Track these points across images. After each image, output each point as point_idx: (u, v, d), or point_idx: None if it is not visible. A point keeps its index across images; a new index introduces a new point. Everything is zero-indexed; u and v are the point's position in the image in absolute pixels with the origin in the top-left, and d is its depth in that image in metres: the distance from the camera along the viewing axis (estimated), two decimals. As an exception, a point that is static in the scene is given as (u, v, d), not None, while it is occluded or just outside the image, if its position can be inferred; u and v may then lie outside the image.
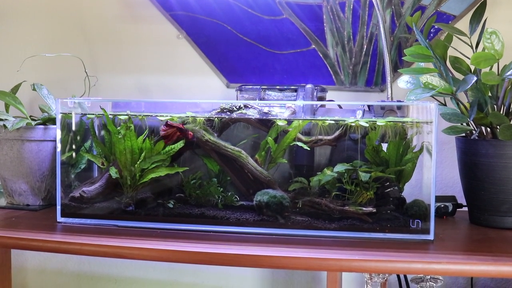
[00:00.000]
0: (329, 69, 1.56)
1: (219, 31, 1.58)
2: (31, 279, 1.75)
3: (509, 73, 1.13)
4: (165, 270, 1.68)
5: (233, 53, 1.59)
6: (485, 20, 1.28)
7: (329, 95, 1.46)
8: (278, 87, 1.35)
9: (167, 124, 1.18)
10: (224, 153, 1.18)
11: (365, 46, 1.53)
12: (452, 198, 1.33)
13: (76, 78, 1.52)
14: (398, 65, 1.51)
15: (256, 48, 1.57)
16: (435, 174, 1.09)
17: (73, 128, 1.24)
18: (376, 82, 1.54)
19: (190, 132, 1.16)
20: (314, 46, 1.55)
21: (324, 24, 1.54)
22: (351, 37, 1.53)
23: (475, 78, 1.13)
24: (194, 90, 1.62)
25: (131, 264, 1.69)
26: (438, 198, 1.31)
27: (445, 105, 1.29)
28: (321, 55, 1.55)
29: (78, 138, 1.26)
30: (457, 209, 1.32)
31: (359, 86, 1.55)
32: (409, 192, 1.17)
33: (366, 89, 1.55)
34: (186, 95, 1.61)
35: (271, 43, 1.57)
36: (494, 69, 1.20)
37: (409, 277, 1.40)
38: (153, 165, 1.18)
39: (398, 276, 1.42)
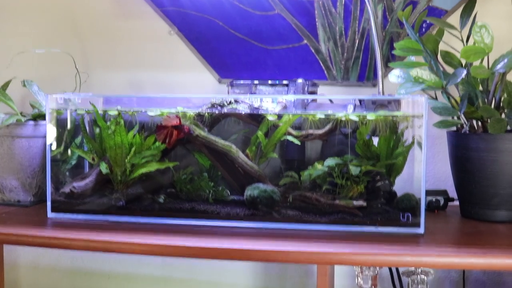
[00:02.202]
0: (321, 64, 1.55)
1: (210, 27, 1.58)
2: (24, 276, 1.74)
3: (499, 66, 1.13)
4: (158, 266, 1.68)
5: (225, 49, 1.59)
6: (476, 14, 1.28)
7: (322, 90, 1.46)
8: (269, 82, 1.35)
9: (159, 127, 1.16)
10: (214, 148, 1.18)
11: (357, 41, 1.53)
12: (444, 192, 1.33)
13: (67, 75, 1.52)
14: (390, 59, 1.50)
15: (248, 43, 1.57)
16: (425, 168, 1.09)
17: (64, 124, 1.24)
18: (368, 77, 1.54)
19: (186, 127, 1.15)
20: (306, 42, 1.55)
21: (316, 19, 1.54)
22: (343, 32, 1.53)
23: (465, 72, 1.13)
24: (186, 86, 1.61)
25: (124, 260, 1.69)
26: (430, 192, 1.31)
27: (436, 99, 1.29)
28: (313, 51, 1.55)
29: (69, 134, 1.26)
30: (449, 203, 1.32)
31: (351, 81, 1.55)
32: (401, 186, 1.17)
33: (358, 84, 1.55)
34: (178, 90, 1.61)
35: (262, 39, 1.57)
36: (485, 63, 1.20)
37: (400, 270, 1.40)
38: (144, 160, 1.18)
39: (390, 270, 1.42)
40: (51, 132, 1.21)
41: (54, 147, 1.22)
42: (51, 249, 1.66)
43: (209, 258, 1.02)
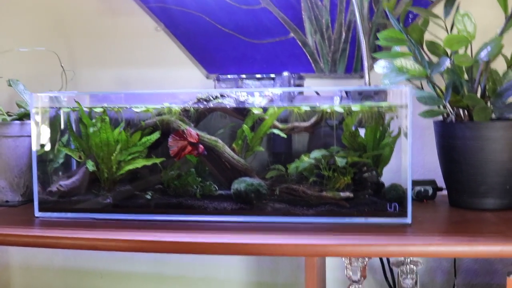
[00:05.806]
0: (309, 57, 1.55)
1: (197, 22, 1.58)
2: (15, 277, 1.74)
3: (482, 55, 1.13)
4: (151, 264, 1.68)
5: (212, 44, 1.58)
6: (459, 3, 1.28)
7: (309, 83, 1.46)
8: (256, 76, 1.35)
9: (177, 135, 1.15)
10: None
11: (344, 33, 1.53)
12: (432, 182, 1.33)
13: (53, 73, 1.52)
14: (377, 51, 1.50)
15: (235, 38, 1.57)
16: (411, 157, 1.09)
17: (50, 122, 1.24)
18: (356, 69, 1.54)
19: (201, 146, 1.15)
20: (293, 35, 1.55)
21: (302, 12, 1.53)
22: (330, 24, 1.53)
23: (448, 60, 1.13)
24: (174, 82, 1.61)
25: (117, 259, 1.69)
26: (418, 182, 1.31)
27: (422, 89, 1.29)
28: (300, 44, 1.55)
29: (55, 132, 1.25)
30: (438, 193, 1.32)
31: (339, 73, 1.55)
32: (390, 177, 1.17)
33: (345, 76, 1.54)
34: (167, 87, 1.61)
35: (249, 33, 1.56)
36: (469, 51, 1.20)
37: (390, 261, 1.40)
38: (130, 157, 1.17)
39: (381, 260, 1.42)
40: (35, 131, 1.20)
41: (40, 146, 1.21)
42: (43, 250, 1.66)
43: (197, 253, 1.02)
